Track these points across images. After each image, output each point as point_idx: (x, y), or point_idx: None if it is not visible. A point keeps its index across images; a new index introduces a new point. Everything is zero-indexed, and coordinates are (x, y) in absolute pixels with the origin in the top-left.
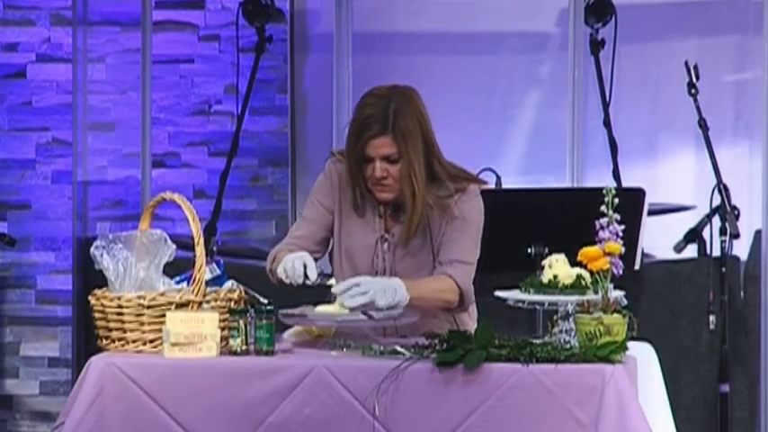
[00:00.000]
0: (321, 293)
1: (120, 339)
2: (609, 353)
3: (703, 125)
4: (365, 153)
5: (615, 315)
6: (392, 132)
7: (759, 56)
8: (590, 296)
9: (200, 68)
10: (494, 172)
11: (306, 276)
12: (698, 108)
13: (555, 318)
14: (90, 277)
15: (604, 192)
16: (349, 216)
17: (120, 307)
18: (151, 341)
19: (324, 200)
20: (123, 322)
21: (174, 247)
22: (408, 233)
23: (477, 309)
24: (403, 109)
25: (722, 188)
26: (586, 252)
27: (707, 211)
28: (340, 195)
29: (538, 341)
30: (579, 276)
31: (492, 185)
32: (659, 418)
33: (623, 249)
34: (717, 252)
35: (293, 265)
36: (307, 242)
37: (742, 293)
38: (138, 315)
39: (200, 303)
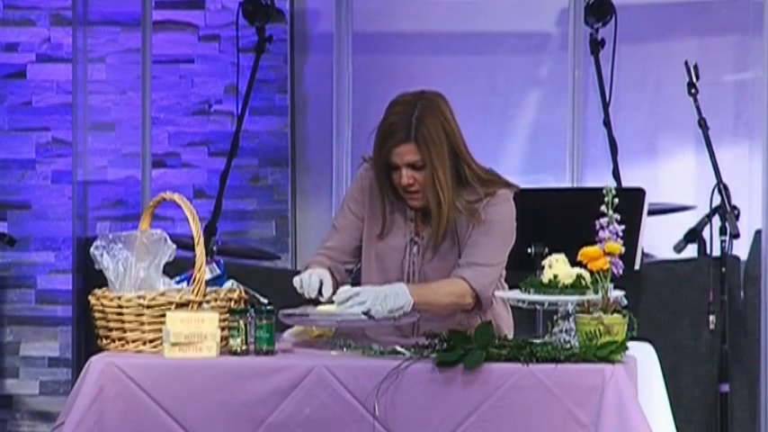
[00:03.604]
0: None
1: (120, 339)
2: (609, 353)
3: (703, 125)
4: (390, 161)
5: (615, 315)
6: (415, 140)
7: (759, 56)
8: (590, 296)
9: (200, 68)
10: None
11: (320, 293)
12: (698, 108)
13: (555, 318)
14: (90, 277)
15: (604, 192)
16: (379, 220)
17: (120, 307)
18: (151, 341)
19: (355, 208)
20: (123, 322)
21: (174, 247)
22: (437, 239)
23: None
24: (426, 116)
25: (722, 188)
26: (586, 252)
27: (707, 211)
28: (371, 200)
29: (538, 341)
30: (579, 276)
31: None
32: (659, 418)
33: (623, 249)
34: (717, 252)
35: (309, 279)
36: (338, 253)
37: (742, 293)
38: (138, 315)
39: (200, 303)
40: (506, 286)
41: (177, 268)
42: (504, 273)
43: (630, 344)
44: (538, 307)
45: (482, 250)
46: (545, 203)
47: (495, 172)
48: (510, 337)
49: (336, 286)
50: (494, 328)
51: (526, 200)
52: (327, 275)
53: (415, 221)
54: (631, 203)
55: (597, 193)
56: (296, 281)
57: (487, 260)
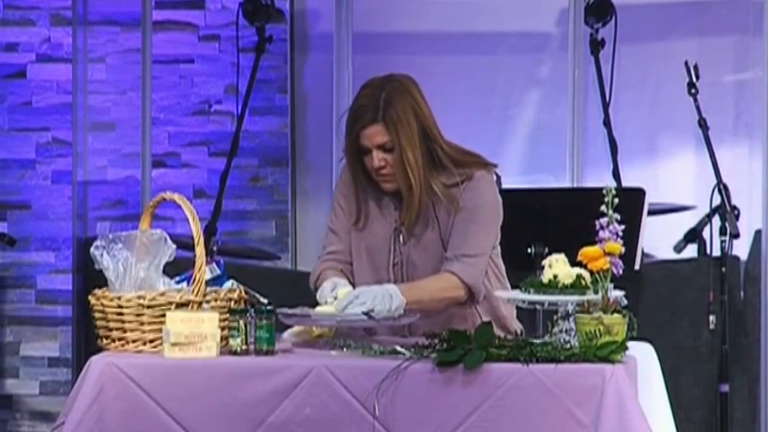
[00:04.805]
0: None
1: (120, 339)
2: (609, 353)
3: (703, 125)
4: (360, 144)
5: (615, 315)
6: (383, 120)
7: (759, 56)
8: (590, 296)
9: (200, 68)
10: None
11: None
12: (698, 108)
13: (555, 318)
14: (90, 277)
15: (604, 192)
16: (366, 213)
17: (120, 307)
18: (151, 341)
19: (345, 206)
20: (123, 322)
21: (174, 247)
22: (409, 221)
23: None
24: (394, 97)
25: (722, 188)
26: (586, 252)
27: (707, 211)
28: (354, 191)
29: (538, 341)
30: (579, 276)
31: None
32: (659, 418)
33: (623, 249)
34: (717, 252)
35: (333, 288)
36: (344, 255)
37: (742, 293)
38: (138, 315)
39: (200, 303)
40: (503, 267)
41: (177, 268)
42: (498, 249)
43: (630, 344)
44: (538, 307)
45: (468, 240)
46: (545, 203)
47: (471, 152)
48: (518, 328)
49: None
50: (498, 323)
51: (526, 200)
52: (347, 282)
53: (400, 210)
54: (631, 203)
55: (597, 193)
56: (326, 285)
57: (474, 250)
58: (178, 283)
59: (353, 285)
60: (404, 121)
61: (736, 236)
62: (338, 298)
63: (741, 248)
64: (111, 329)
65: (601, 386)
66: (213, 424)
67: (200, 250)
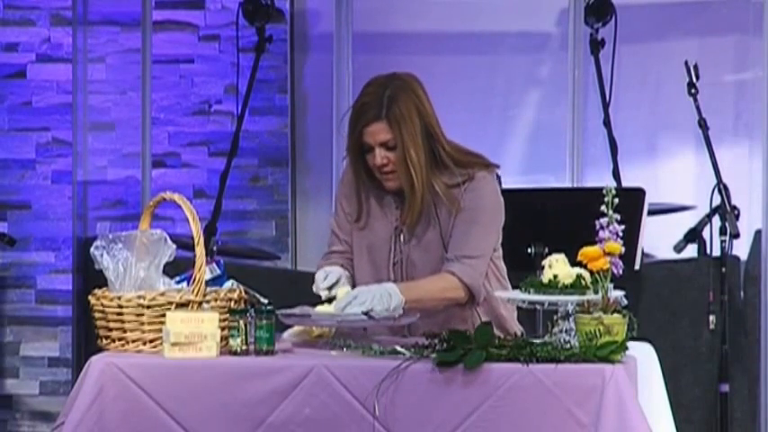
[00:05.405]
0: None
1: (120, 339)
2: (609, 353)
3: (703, 125)
4: (363, 141)
5: (615, 315)
6: (386, 118)
7: (759, 56)
8: (590, 296)
9: (200, 68)
10: None
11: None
12: (698, 108)
13: (555, 318)
14: (90, 277)
15: (604, 192)
16: (367, 211)
17: (120, 307)
18: (151, 341)
19: (347, 206)
20: (123, 322)
21: (174, 247)
22: (411, 220)
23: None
24: (398, 95)
25: (722, 188)
26: (586, 252)
27: (707, 211)
28: (356, 191)
29: (538, 341)
30: (579, 276)
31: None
32: (659, 418)
33: (623, 249)
34: (717, 252)
35: (328, 274)
36: (346, 255)
37: (742, 293)
38: (138, 315)
39: (200, 303)
40: (504, 269)
41: (177, 268)
42: (500, 251)
43: (630, 344)
44: (538, 307)
45: (468, 241)
46: (545, 203)
47: (473, 152)
48: (518, 330)
49: (353, 285)
50: (498, 324)
51: (526, 200)
52: (345, 272)
53: (401, 209)
54: (631, 203)
55: (597, 193)
56: (318, 275)
57: (475, 251)
58: (178, 283)
59: (353, 278)
60: (407, 119)
61: (736, 236)
62: (337, 297)
63: (741, 248)
64: (111, 329)
65: (601, 386)
66: (213, 424)
67: (200, 250)
